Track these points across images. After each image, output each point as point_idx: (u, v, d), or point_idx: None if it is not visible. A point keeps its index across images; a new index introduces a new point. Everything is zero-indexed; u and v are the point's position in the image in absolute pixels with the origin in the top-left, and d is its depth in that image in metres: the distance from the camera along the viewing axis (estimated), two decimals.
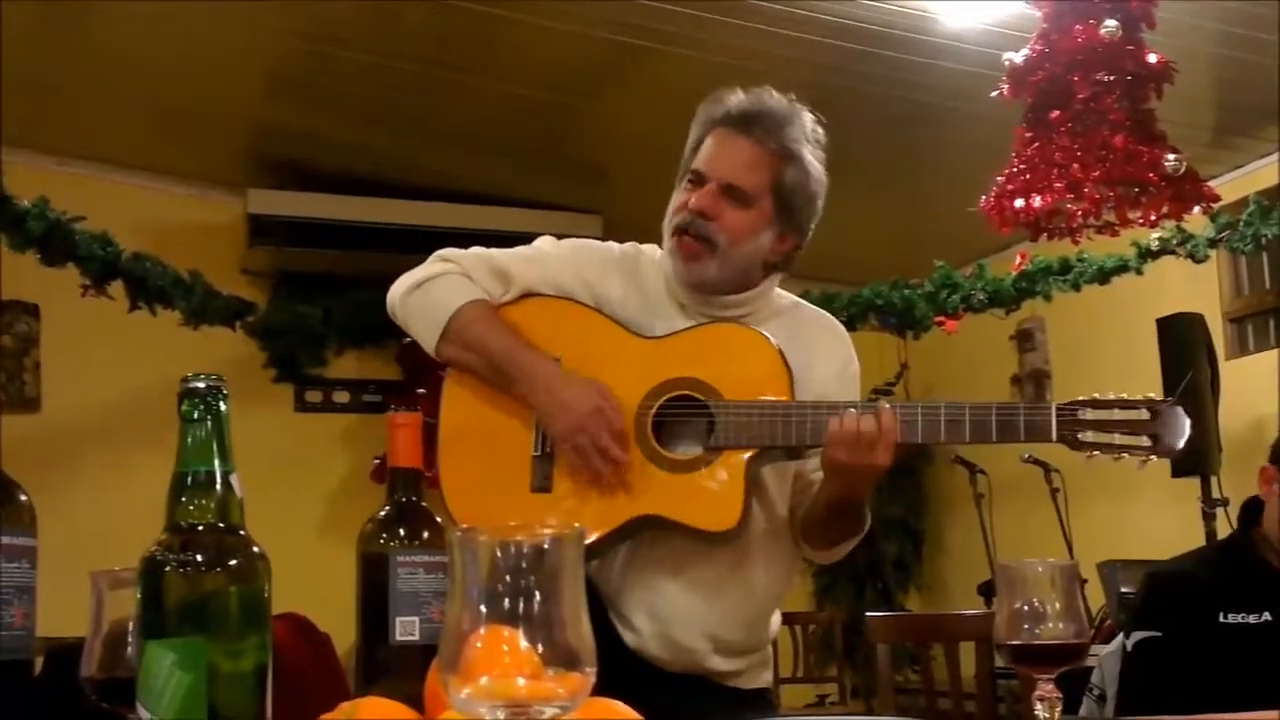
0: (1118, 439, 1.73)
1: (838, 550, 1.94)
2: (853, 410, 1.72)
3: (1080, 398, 1.74)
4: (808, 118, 1.89)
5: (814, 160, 1.88)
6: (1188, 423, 1.74)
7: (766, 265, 1.91)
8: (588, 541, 1.72)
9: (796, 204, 1.87)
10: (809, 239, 1.93)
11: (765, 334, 1.84)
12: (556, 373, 1.82)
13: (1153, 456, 1.73)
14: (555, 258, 1.93)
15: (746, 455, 1.78)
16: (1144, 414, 1.73)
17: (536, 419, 1.84)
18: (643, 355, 1.84)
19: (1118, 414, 1.73)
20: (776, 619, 1.96)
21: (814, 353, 1.89)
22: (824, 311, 2.04)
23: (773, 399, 1.78)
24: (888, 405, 1.75)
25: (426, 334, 1.86)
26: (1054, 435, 1.73)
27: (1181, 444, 1.72)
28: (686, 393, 1.81)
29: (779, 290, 1.97)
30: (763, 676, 1.93)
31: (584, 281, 1.90)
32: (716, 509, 1.77)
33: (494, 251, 1.92)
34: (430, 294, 1.87)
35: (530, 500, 1.81)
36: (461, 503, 1.81)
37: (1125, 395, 1.74)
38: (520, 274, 1.90)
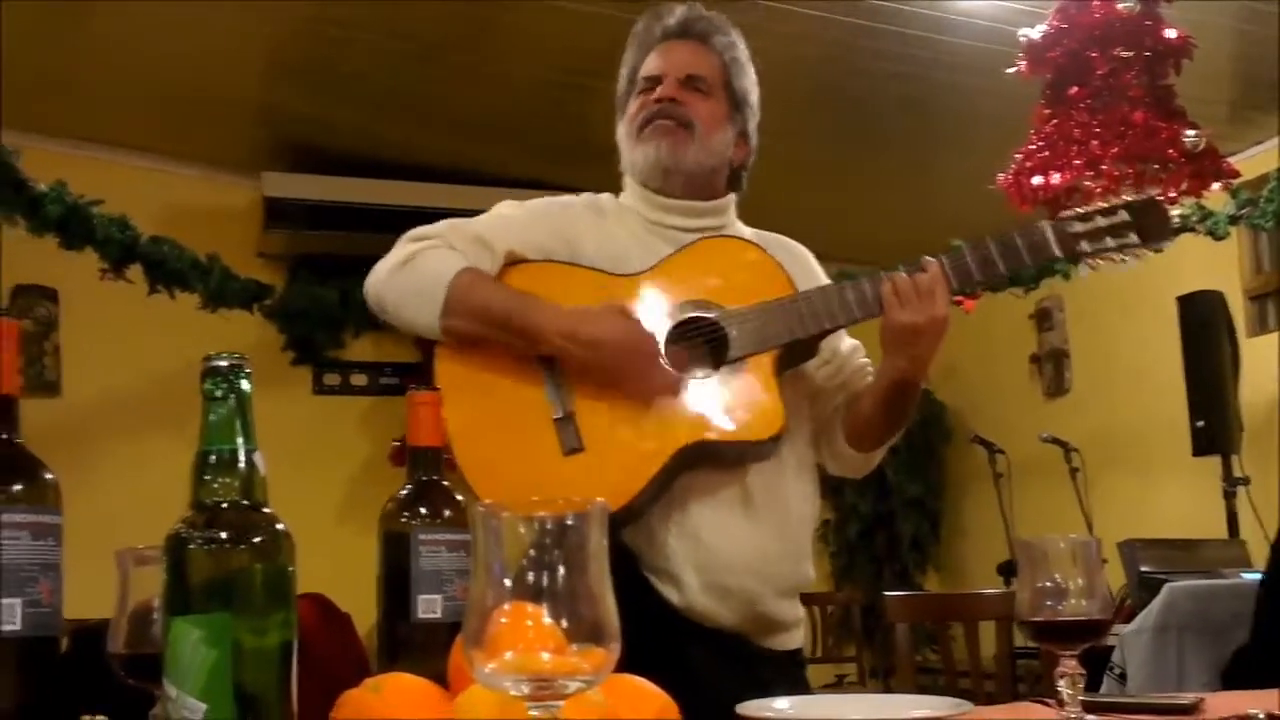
0: (1110, 242, 1.80)
1: (878, 454, 1.94)
2: (899, 271, 1.75)
3: (1064, 213, 1.82)
4: (736, 31, 1.94)
5: (751, 69, 1.92)
6: (1165, 207, 1.82)
7: (729, 170, 1.93)
8: (637, 489, 1.69)
9: (744, 107, 1.92)
10: (754, 153, 1.97)
11: (746, 238, 1.86)
12: (571, 314, 1.74)
13: (1146, 251, 1.81)
14: (524, 219, 1.88)
15: (771, 357, 1.75)
16: (1123, 215, 1.80)
17: (554, 375, 1.75)
18: (635, 291, 1.79)
19: (1101, 221, 1.80)
20: (810, 567, 1.90)
21: (792, 275, 1.86)
22: (783, 236, 2.00)
23: (777, 298, 1.77)
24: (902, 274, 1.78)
25: (425, 313, 1.75)
26: (1055, 249, 1.79)
27: (1167, 229, 1.81)
28: (691, 315, 1.78)
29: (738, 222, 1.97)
30: (798, 636, 1.88)
31: (558, 234, 1.85)
32: (758, 417, 1.73)
33: (465, 220, 1.85)
34: (417, 270, 1.77)
35: (567, 465, 1.71)
36: (495, 491, 1.67)
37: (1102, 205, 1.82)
38: (497, 237, 1.82)
